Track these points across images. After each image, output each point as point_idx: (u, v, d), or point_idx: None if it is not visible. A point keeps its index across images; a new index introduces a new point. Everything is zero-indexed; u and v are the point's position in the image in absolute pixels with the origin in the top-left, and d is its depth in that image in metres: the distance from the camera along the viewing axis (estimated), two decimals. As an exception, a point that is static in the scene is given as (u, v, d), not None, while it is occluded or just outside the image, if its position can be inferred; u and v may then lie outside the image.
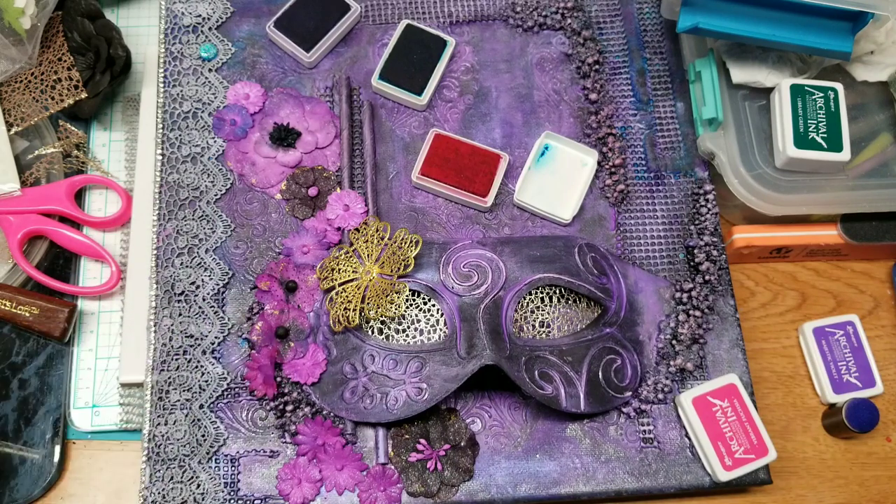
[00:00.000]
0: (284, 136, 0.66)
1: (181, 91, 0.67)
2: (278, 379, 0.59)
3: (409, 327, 0.61)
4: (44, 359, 0.64)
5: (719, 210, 0.66)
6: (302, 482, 0.57)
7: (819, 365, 0.65)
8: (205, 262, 0.62)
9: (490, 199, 0.64)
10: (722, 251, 0.64)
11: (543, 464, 0.59)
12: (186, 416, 0.58)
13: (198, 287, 0.62)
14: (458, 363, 0.57)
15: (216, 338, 0.60)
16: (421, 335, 0.61)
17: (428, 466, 0.57)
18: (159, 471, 0.57)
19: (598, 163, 0.66)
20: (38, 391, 0.62)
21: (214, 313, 0.61)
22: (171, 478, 0.57)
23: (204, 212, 0.64)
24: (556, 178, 0.66)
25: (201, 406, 0.59)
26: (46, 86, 0.67)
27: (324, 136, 0.66)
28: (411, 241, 0.59)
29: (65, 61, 0.68)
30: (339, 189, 0.65)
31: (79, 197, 0.68)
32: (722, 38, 0.64)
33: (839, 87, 0.64)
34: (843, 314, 0.67)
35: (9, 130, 0.67)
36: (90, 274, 0.66)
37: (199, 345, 0.60)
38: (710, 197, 0.66)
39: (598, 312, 0.62)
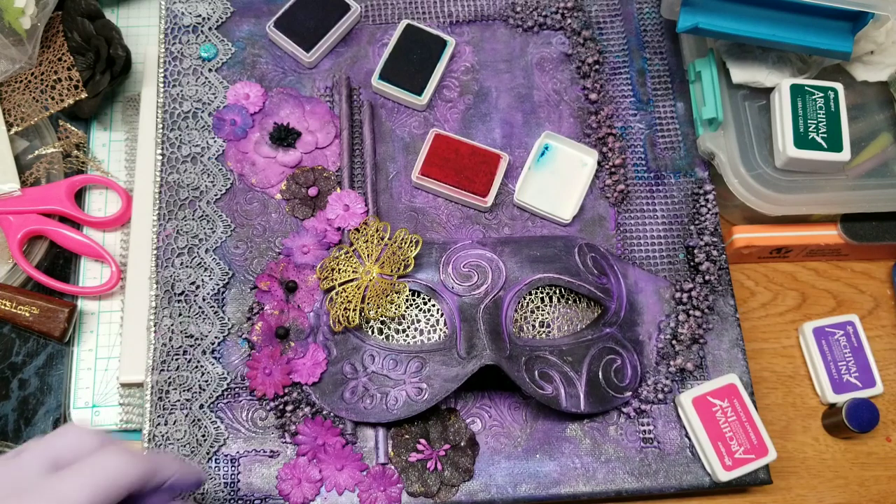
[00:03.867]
0: (284, 136, 0.66)
1: (181, 91, 0.67)
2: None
3: (409, 327, 0.61)
4: (44, 359, 0.64)
5: (719, 210, 0.66)
6: (302, 482, 0.57)
7: (819, 365, 0.65)
8: (205, 262, 0.62)
9: (490, 199, 0.64)
10: (722, 251, 0.64)
11: (543, 464, 0.59)
12: (186, 416, 0.58)
13: (198, 287, 0.62)
14: (458, 363, 0.57)
15: (216, 338, 0.60)
16: (421, 335, 0.61)
17: (428, 466, 0.57)
18: (159, 471, 0.57)
19: (598, 163, 0.66)
20: (38, 391, 0.62)
21: (214, 313, 0.61)
22: (171, 478, 0.57)
23: (204, 212, 0.64)
24: (556, 178, 0.66)
25: (201, 406, 0.59)
26: (46, 86, 0.67)
27: (324, 136, 0.66)
28: (411, 241, 0.59)
29: (65, 61, 0.68)
30: (339, 189, 0.65)
31: (79, 197, 0.68)
32: (722, 38, 0.64)
33: (839, 87, 0.64)
34: (843, 314, 0.67)
35: (9, 130, 0.67)
36: (90, 274, 0.66)
37: (199, 345, 0.60)
38: (710, 197, 0.66)
39: (598, 312, 0.62)
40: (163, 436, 0.58)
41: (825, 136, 0.62)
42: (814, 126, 0.62)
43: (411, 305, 0.61)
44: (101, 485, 0.39)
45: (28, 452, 0.41)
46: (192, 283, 0.62)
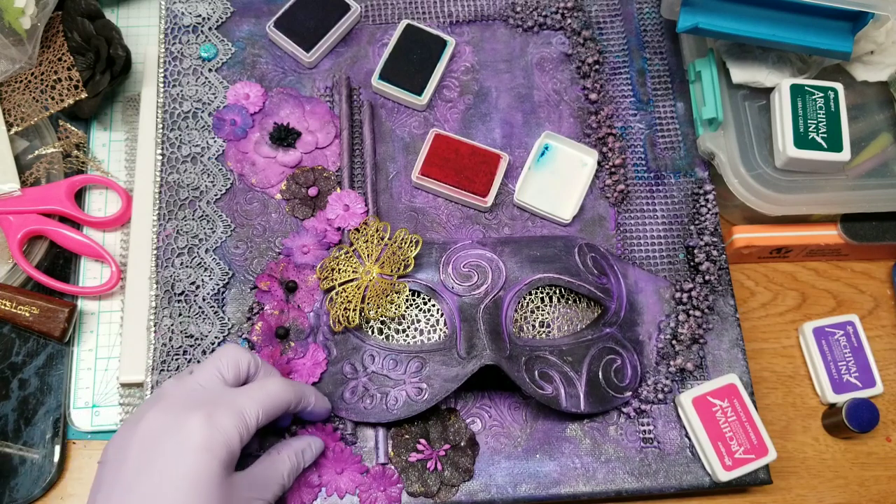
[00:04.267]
0: (284, 136, 0.66)
1: (181, 91, 0.67)
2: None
3: (409, 327, 0.61)
4: (44, 359, 0.64)
5: (719, 210, 0.66)
6: (301, 486, 0.57)
7: (819, 365, 0.65)
8: (205, 262, 0.62)
9: (490, 199, 0.64)
10: (722, 251, 0.64)
11: (543, 464, 0.59)
12: (186, 416, 0.58)
13: (198, 287, 0.62)
14: (458, 363, 0.57)
15: (216, 338, 0.60)
16: (421, 335, 0.61)
17: (428, 466, 0.57)
18: (159, 471, 0.57)
19: (598, 163, 0.66)
20: (38, 391, 0.62)
21: (214, 313, 0.61)
22: (171, 478, 0.57)
23: (204, 212, 0.64)
24: (556, 178, 0.66)
25: (201, 406, 0.59)
26: (46, 86, 0.67)
27: (324, 136, 0.66)
28: (411, 241, 0.59)
29: (65, 61, 0.68)
30: (339, 189, 0.65)
31: (79, 197, 0.68)
32: (722, 38, 0.64)
33: (839, 87, 0.64)
34: (843, 314, 0.67)
35: (9, 130, 0.67)
36: (90, 274, 0.66)
37: (199, 345, 0.60)
38: (710, 197, 0.66)
39: (598, 312, 0.62)
40: (163, 436, 0.58)
41: (825, 136, 0.62)
42: (814, 126, 0.62)
43: (411, 305, 0.61)
44: (267, 403, 0.50)
45: (201, 371, 0.51)
46: (192, 283, 0.62)
